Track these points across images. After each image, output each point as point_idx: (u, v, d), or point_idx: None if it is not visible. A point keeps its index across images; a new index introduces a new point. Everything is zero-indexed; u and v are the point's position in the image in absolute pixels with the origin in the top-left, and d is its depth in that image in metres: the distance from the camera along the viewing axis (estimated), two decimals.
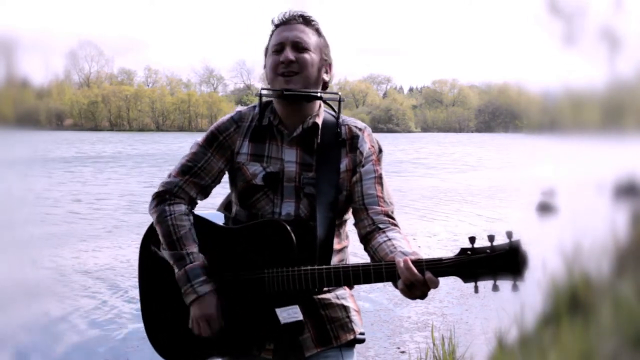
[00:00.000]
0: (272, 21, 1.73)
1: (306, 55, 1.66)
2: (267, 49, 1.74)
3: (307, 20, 1.71)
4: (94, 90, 79.17)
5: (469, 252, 1.43)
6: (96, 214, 10.64)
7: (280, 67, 1.65)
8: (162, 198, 1.70)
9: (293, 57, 1.64)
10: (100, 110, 77.47)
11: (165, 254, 1.66)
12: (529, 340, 1.60)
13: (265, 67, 1.74)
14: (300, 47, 1.66)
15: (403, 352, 4.29)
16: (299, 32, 1.68)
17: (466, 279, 1.43)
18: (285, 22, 1.70)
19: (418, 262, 1.43)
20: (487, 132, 73.69)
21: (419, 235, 8.51)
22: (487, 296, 5.45)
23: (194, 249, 1.64)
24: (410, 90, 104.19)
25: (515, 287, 1.40)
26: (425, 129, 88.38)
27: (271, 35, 1.73)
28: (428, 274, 1.41)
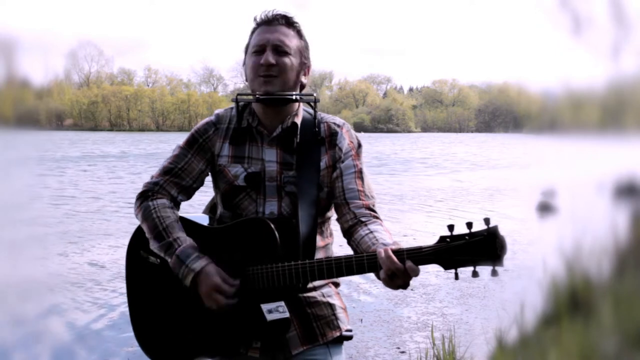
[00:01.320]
0: (255, 19, 1.74)
1: (286, 60, 1.68)
2: (247, 47, 1.75)
3: (289, 22, 1.72)
4: (94, 90, 79.19)
5: (447, 240, 1.43)
6: (117, 211, 10.71)
7: (261, 69, 1.67)
8: (145, 196, 1.74)
9: (274, 60, 1.66)
10: (100, 110, 77.51)
11: (154, 248, 1.68)
12: (529, 340, 1.60)
13: (244, 64, 1.76)
14: (280, 50, 1.68)
15: (403, 352, 4.28)
16: (280, 35, 1.69)
17: (446, 267, 1.44)
18: (267, 22, 1.72)
19: (398, 252, 1.44)
20: (487, 132, 73.70)
21: (428, 234, 8.52)
22: (487, 296, 5.45)
23: (180, 234, 1.67)
24: (410, 90, 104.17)
25: (494, 272, 1.40)
26: (425, 129, 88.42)
27: (252, 33, 1.74)
28: (409, 263, 1.42)
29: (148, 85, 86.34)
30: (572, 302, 1.45)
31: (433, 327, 4.30)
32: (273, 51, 1.67)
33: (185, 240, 1.65)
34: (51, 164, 20.42)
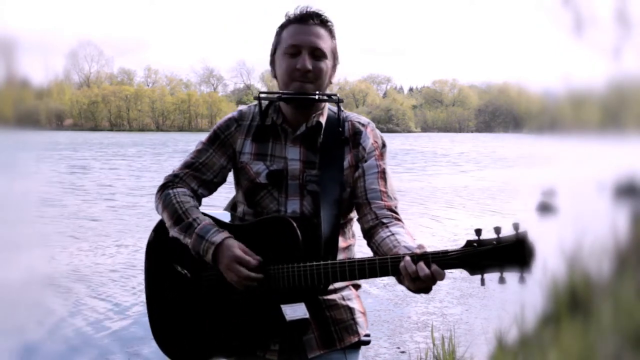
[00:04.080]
0: (287, 15, 1.70)
1: (322, 65, 1.66)
2: (276, 44, 1.71)
3: (323, 21, 1.69)
4: (94, 90, 79.19)
5: (475, 244, 1.41)
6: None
7: (296, 74, 1.64)
8: (165, 187, 1.74)
9: (310, 66, 1.63)
10: (100, 110, 77.51)
11: (174, 232, 1.66)
12: (529, 340, 1.60)
13: (272, 63, 1.73)
14: (317, 54, 1.65)
15: (403, 352, 4.28)
16: (316, 38, 1.66)
17: (473, 271, 1.41)
18: (301, 20, 1.68)
19: (424, 255, 1.42)
20: (487, 132, 73.69)
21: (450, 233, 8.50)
22: (487, 296, 5.45)
23: (199, 215, 1.65)
24: (410, 90, 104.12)
25: (522, 279, 1.37)
26: (425, 129, 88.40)
27: (283, 28, 1.70)
28: (434, 267, 1.40)
29: (148, 85, 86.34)
30: (572, 302, 1.45)
31: (433, 327, 4.29)
32: (310, 55, 1.64)
33: (204, 219, 1.64)
34: (71, 163, 20.76)
